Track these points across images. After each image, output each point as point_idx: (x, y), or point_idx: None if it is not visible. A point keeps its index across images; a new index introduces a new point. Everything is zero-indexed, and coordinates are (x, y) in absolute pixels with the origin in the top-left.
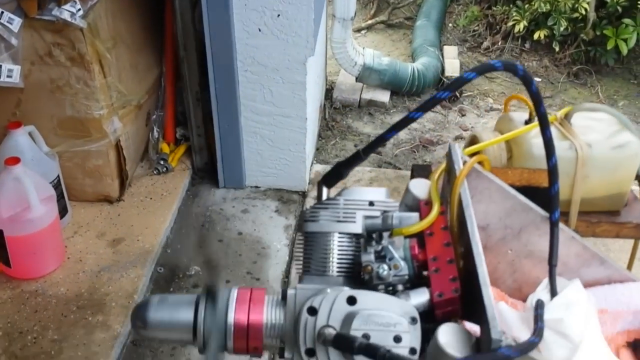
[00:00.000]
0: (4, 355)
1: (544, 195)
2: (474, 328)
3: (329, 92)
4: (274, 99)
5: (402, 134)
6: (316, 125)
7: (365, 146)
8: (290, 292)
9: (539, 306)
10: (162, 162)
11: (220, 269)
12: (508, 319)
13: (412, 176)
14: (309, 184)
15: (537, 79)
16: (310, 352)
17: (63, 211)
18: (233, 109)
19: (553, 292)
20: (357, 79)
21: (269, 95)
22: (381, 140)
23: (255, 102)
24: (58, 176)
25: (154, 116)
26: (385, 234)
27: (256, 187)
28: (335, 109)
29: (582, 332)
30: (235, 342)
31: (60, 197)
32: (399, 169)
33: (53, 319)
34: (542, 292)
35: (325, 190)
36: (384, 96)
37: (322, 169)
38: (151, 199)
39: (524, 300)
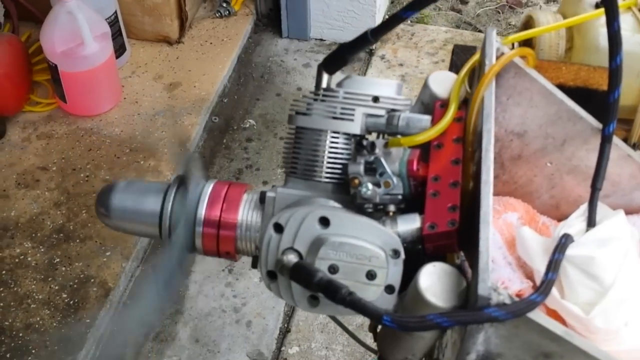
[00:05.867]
0: (57, 189)
1: (601, 100)
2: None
3: None
4: None
5: None
6: None
7: (376, 27)
8: (269, 194)
9: (560, 248)
10: (224, 5)
11: (276, 124)
12: (530, 248)
13: (452, 60)
14: (377, 41)
15: None
16: (272, 274)
17: (121, 49)
18: None
19: (591, 222)
20: None
21: None
22: (396, 19)
23: None
24: (115, 12)
25: None
26: (380, 143)
27: (321, 39)
28: None
29: (615, 274)
30: (205, 241)
31: (117, 35)
32: (480, 31)
33: (106, 159)
34: (576, 219)
35: (325, 76)
36: None
37: None
38: (211, 43)
39: (560, 220)
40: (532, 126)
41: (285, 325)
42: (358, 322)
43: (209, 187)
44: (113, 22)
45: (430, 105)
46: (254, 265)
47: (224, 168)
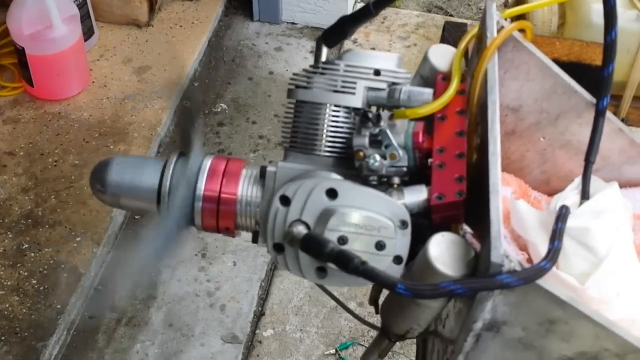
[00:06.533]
0: (24, 175)
1: (594, 75)
2: (475, 242)
3: None
4: None
5: None
6: None
7: None
8: (270, 169)
9: (562, 218)
10: None
11: (248, 108)
12: (525, 221)
13: (443, 37)
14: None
15: None
16: (279, 247)
17: (89, 32)
18: None
19: (585, 194)
20: None
21: None
22: None
23: None
24: None
25: None
26: (386, 115)
27: (292, 23)
28: None
29: (609, 245)
30: (204, 217)
31: (86, 17)
32: (451, 15)
33: (75, 144)
34: (571, 192)
35: (325, 50)
36: None
37: None
38: (181, 26)
39: (550, 195)
40: (528, 101)
41: (260, 309)
42: (332, 304)
43: (208, 163)
44: (81, 5)
45: (430, 78)
46: (255, 240)
47: None
